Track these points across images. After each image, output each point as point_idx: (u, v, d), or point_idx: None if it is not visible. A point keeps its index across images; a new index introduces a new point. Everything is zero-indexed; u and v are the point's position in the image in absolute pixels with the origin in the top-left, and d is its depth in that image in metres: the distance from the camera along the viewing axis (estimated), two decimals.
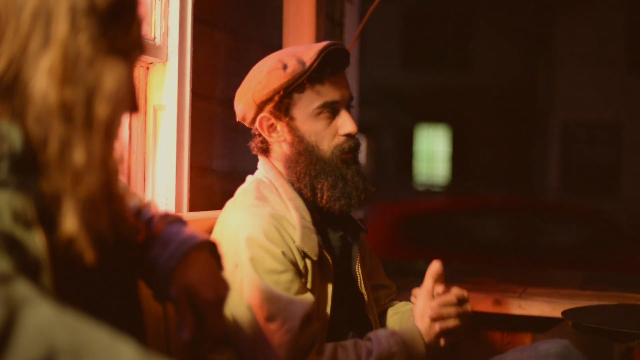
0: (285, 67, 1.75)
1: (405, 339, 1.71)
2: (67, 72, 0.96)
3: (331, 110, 1.79)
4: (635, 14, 11.84)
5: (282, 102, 1.77)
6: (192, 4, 2.17)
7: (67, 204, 0.96)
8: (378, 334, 1.72)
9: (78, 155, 0.96)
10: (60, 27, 0.96)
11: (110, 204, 1.03)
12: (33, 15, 0.96)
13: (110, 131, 1.00)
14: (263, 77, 1.77)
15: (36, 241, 0.95)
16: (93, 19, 0.98)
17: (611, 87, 11.70)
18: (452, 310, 1.75)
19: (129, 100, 1.07)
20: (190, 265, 1.25)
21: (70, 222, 0.96)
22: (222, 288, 1.26)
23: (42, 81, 0.95)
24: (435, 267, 1.78)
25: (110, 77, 0.99)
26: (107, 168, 1.00)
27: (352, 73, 3.39)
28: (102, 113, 0.98)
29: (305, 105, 1.77)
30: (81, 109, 0.97)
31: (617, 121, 12.01)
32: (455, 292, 1.77)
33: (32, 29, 0.96)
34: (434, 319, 1.73)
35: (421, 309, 1.77)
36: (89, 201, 0.97)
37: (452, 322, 1.74)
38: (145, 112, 2.14)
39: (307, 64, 1.74)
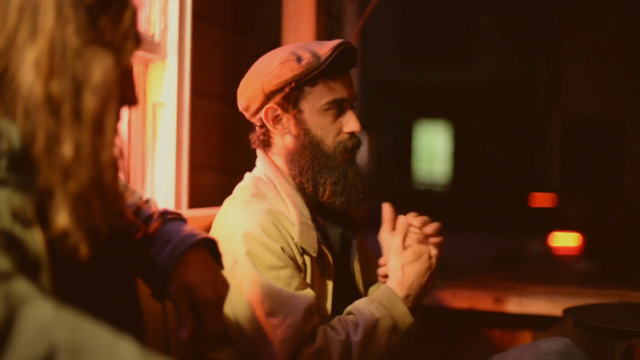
0: (299, 59, 1.75)
1: (383, 302, 1.70)
2: (54, 65, 0.95)
3: (339, 107, 1.79)
4: (637, 11, 11.83)
5: (291, 94, 1.77)
6: (192, 0, 2.16)
7: (58, 199, 0.95)
8: (357, 306, 1.71)
9: (66, 149, 0.95)
10: (47, 19, 0.95)
11: (103, 198, 1.01)
12: (20, 7, 0.95)
13: (100, 124, 0.98)
14: (275, 67, 1.77)
15: (35, 239, 0.94)
16: (80, 11, 0.97)
17: (613, 84, 11.69)
18: (419, 248, 1.75)
19: (127, 94, 1.06)
20: (189, 263, 1.24)
21: (62, 217, 0.95)
22: (221, 286, 1.25)
23: (29, 74, 0.94)
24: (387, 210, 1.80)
25: (98, 69, 0.97)
26: (98, 162, 0.99)
27: (353, 69, 3.38)
28: (90, 105, 0.97)
29: (315, 99, 1.77)
30: (68, 101, 0.95)
31: (619, 118, 12.00)
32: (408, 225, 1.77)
33: (19, 21, 0.95)
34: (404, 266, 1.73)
35: (391, 266, 1.76)
36: (79, 195, 0.96)
37: (425, 256, 1.74)
38: (145, 109, 2.13)
39: (322, 58, 1.75)
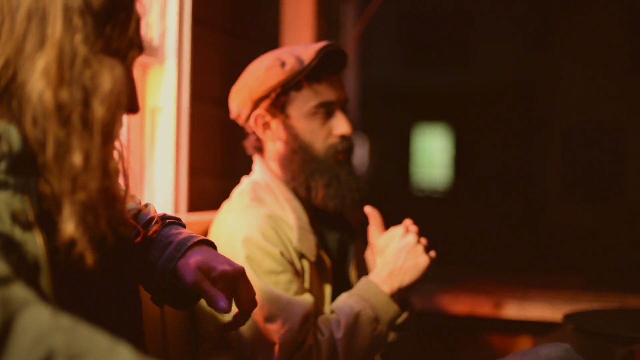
0: (283, 64, 1.75)
1: (361, 294, 1.70)
2: (63, 73, 0.95)
3: (327, 110, 1.79)
4: (637, 14, 11.84)
5: (278, 100, 1.77)
6: (191, 4, 2.16)
7: (66, 207, 0.95)
8: (337, 303, 1.72)
9: (76, 158, 0.95)
10: (55, 27, 0.95)
11: (110, 207, 1.01)
12: (28, 15, 0.95)
13: (109, 133, 0.99)
14: (260, 74, 1.77)
15: (36, 242, 0.94)
16: (88, 19, 0.97)
17: (613, 88, 11.69)
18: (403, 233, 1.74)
19: (129, 101, 1.06)
20: (196, 252, 1.23)
21: (69, 226, 0.95)
22: (236, 264, 1.24)
23: (38, 82, 0.94)
24: (373, 217, 1.78)
25: (107, 77, 0.98)
26: (106, 170, 0.99)
27: (351, 73, 3.38)
28: (99, 114, 0.97)
29: (302, 104, 1.77)
30: (78, 110, 0.96)
31: (620, 123, 12.00)
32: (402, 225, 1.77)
33: (27, 29, 0.95)
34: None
35: (371, 260, 1.79)
36: (88, 204, 0.96)
37: (412, 240, 1.73)
38: (143, 114, 2.13)
39: (306, 62, 1.74)
